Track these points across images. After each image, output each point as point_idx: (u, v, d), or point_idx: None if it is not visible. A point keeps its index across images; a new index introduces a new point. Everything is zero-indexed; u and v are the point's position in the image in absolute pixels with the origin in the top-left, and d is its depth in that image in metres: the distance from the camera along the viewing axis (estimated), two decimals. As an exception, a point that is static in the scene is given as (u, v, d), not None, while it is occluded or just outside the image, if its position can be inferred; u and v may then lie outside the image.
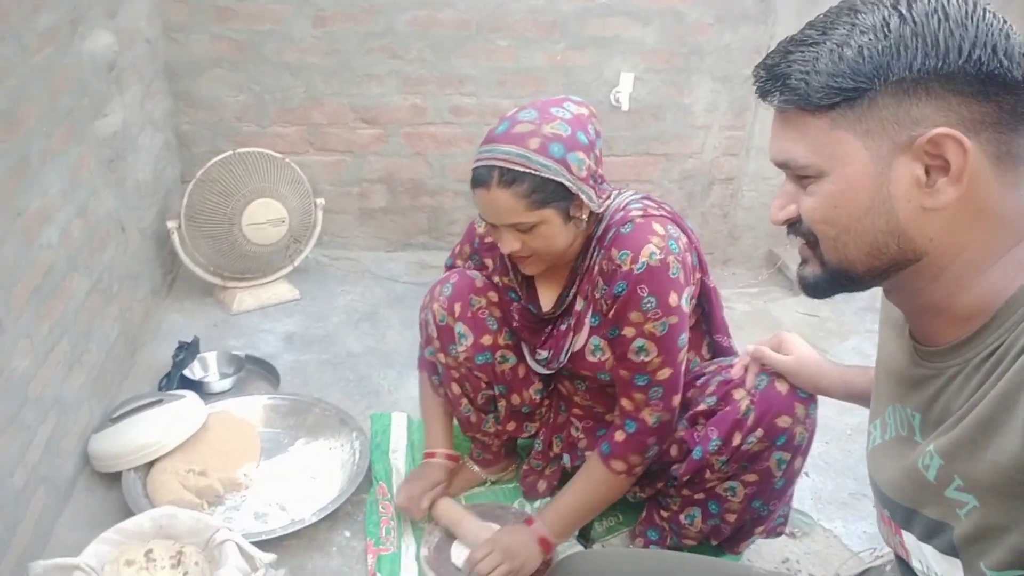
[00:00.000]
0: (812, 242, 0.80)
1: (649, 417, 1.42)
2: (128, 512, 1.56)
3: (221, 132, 2.60)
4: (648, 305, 1.36)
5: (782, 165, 0.79)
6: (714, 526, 1.51)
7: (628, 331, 1.39)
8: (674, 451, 1.48)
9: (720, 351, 1.61)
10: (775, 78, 0.76)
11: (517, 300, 1.57)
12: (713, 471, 1.42)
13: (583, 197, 1.34)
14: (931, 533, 0.77)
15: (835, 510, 1.84)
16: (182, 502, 1.60)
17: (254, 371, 2.14)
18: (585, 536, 1.68)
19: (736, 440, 1.37)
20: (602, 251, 1.41)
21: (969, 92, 0.69)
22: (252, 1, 2.46)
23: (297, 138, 2.65)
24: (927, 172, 0.71)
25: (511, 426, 1.68)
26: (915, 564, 0.83)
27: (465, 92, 2.65)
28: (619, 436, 1.45)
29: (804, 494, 1.86)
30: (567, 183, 1.31)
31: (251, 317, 2.43)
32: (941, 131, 0.69)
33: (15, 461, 1.43)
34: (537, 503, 1.74)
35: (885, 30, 0.70)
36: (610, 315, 1.40)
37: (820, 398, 1.39)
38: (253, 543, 1.45)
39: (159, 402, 1.80)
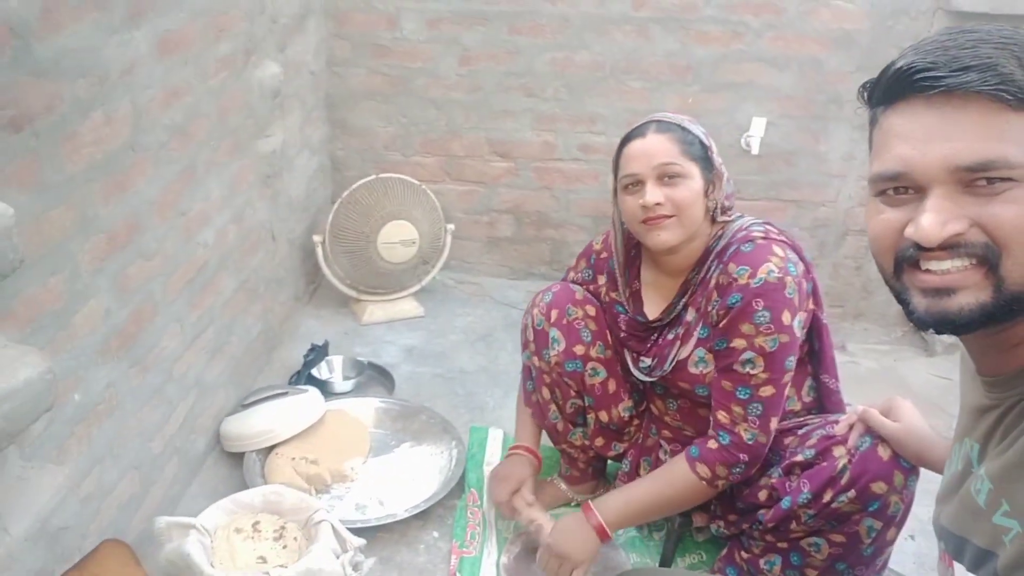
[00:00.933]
0: (990, 261, 0.70)
1: (745, 433, 1.42)
2: (246, 489, 1.73)
3: (370, 158, 2.84)
4: (761, 319, 1.37)
5: (978, 167, 0.69)
6: None
7: (738, 343, 1.40)
8: (763, 496, 1.47)
9: (825, 394, 1.59)
10: (971, 67, 0.68)
11: (624, 312, 1.63)
12: (799, 523, 1.40)
13: (723, 176, 1.47)
14: (978, 563, 0.76)
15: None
16: (292, 486, 1.75)
17: (373, 377, 2.30)
18: (664, 565, 1.68)
19: (827, 496, 1.35)
20: (720, 265, 1.44)
21: None
22: (406, 40, 2.69)
23: (436, 167, 2.84)
24: None
25: (599, 442, 1.72)
26: None
27: (595, 131, 2.75)
28: (711, 444, 1.46)
29: (906, 557, 1.76)
30: (712, 152, 1.46)
31: (378, 328, 2.62)
32: None
33: (156, 429, 1.64)
34: (622, 530, 1.76)
35: None
36: (721, 325, 1.43)
37: (923, 471, 1.34)
38: (348, 529, 1.58)
39: (285, 394, 1.99)
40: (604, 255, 1.68)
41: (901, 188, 0.75)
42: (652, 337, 1.60)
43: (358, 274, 2.59)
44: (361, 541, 1.55)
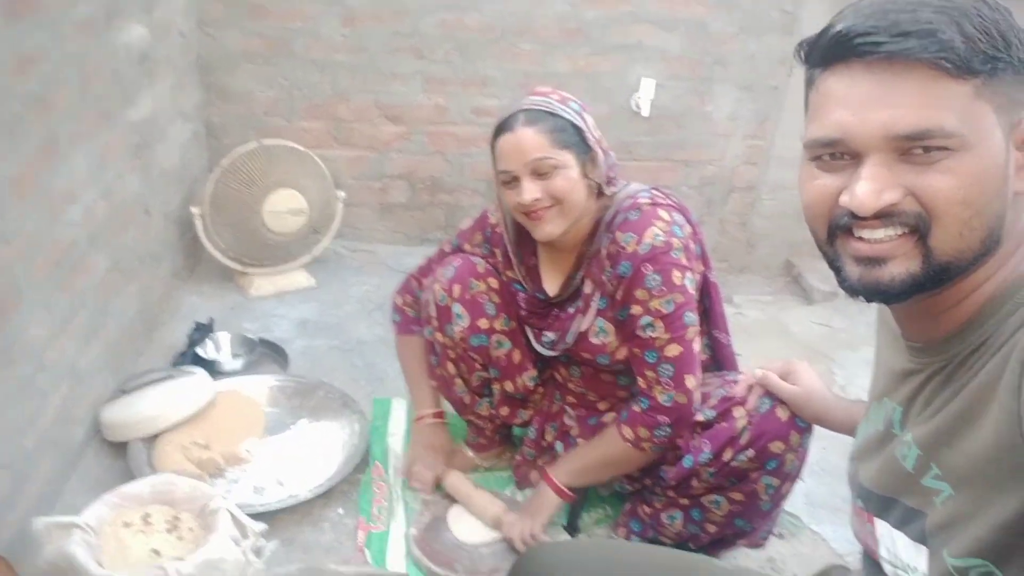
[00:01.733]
0: (920, 231, 0.70)
1: (660, 395, 1.44)
2: (133, 480, 1.63)
3: (250, 124, 2.69)
4: (653, 282, 1.40)
5: (916, 136, 0.68)
6: (693, 532, 1.53)
7: (635, 309, 1.43)
8: (667, 455, 1.50)
9: (718, 348, 1.63)
10: (911, 33, 0.67)
11: (523, 290, 1.62)
12: (700, 480, 1.45)
13: (599, 155, 1.43)
14: (906, 520, 0.79)
15: (826, 514, 1.84)
16: (184, 473, 1.66)
17: (265, 354, 2.21)
18: (573, 526, 1.71)
19: (727, 455, 1.40)
20: (609, 235, 1.45)
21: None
22: (284, -1, 2.56)
23: (322, 133, 2.73)
24: None
25: (504, 411, 1.72)
26: (882, 552, 0.85)
27: (488, 94, 2.71)
28: (635, 407, 1.48)
29: (797, 498, 1.84)
30: (585, 132, 1.42)
31: (267, 302, 2.51)
32: None
33: (27, 423, 1.51)
34: (530, 492, 1.77)
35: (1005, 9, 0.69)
36: (618, 296, 1.45)
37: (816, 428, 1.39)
38: (248, 515, 1.51)
39: (169, 377, 1.88)
40: (499, 230, 1.65)
41: (837, 154, 0.74)
42: (552, 312, 1.60)
43: (243, 246, 2.47)
44: (262, 526, 1.50)
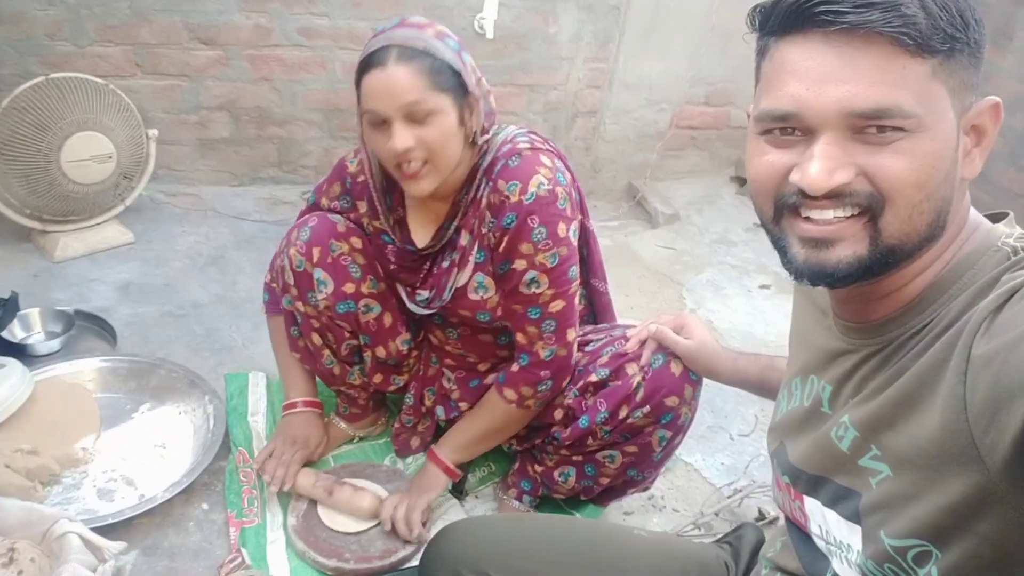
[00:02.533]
0: (871, 212, 0.69)
1: (542, 350, 1.39)
2: (-57, 504, 1.37)
3: (29, 51, 2.25)
4: (539, 236, 1.32)
5: (873, 115, 0.66)
6: (586, 486, 1.52)
7: (519, 263, 1.34)
8: (558, 415, 1.46)
9: (596, 297, 1.60)
10: (874, 4, 0.64)
11: (391, 243, 1.48)
12: (596, 439, 1.43)
13: (478, 101, 1.29)
14: (837, 499, 0.79)
15: (694, 444, 1.92)
16: (11, 487, 1.42)
17: (86, 328, 1.93)
18: (459, 489, 1.66)
19: (622, 413, 1.38)
20: (489, 183, 1.34)
21: (977, 65, 0.69)
22: None
23: (122, 59, 2.34)
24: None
25: (377, 379, 1.61)
26: (813, 528, 0.86)
27: (316, 12, 2.43)
28: (514, 367, 1.43)
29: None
30: (464, 75, 1.27)
31: (78, 265, 2.18)
32: (996, 100, 0.68)
33: None
34: (410, 459, 1.70)
35: None
36: (500, 249, 1.35)
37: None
38: (99, 527, 1.32)
39: (-29, 373, 1.58)
40: (361, 179, 1.49)
41: (788, 129, 0.71)
42: (425, 266, 1.48)
43: (40, 200, 2.11)
44: (120, 545, 1.30)
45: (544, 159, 1.34)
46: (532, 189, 1.31)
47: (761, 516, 1.72)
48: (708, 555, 1.09)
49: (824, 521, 0.82)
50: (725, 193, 3.32)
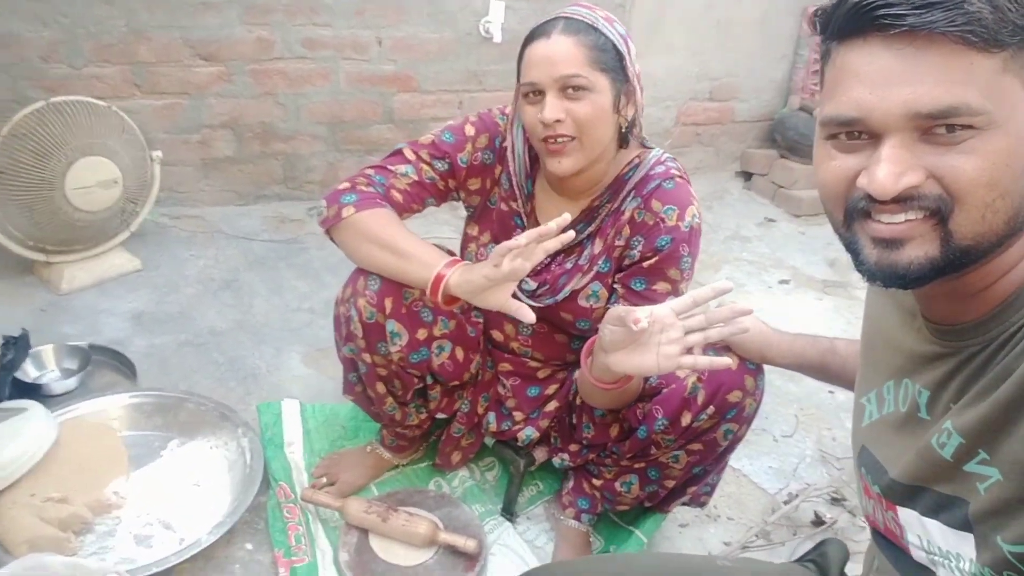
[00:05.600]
0: (941, 213, 0.66)
1: None
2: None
3: (24, 75, 2.16)
4: (686, 264, 1.32)
5: (939, 114, 0.64)
6: (651, 492, 1.46)
7: (661, 286, 1.32)
8: (614, 431, 1.40)
9: None
10: (935, 4, 0.62)
11: (522, 227, 1.41)
12: (659, 448, 1.37)
13: (636, 90, 1.27)
14: (939, 509, 0.75)
15: (740, 448, 1.84)
16: (43, 540, 1.34)
17: (102, 363, 1.83)
18: (508, 510, 1.60)
19: (685, 420, 1.32)
20: (640, 199, 1.32)
21: None
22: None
23: (120, 80, 2.26)
24: None
25: (443, 406, 1.54)
26: (910, 539, 0.81)
27: (319, 22, 2.36)
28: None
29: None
30: (627, 60, 1.25)
31: (86, 296, 2.08)
32: None
33: None
34: (456, 483, 1.63)
35: None
36: (646, 266, 1.32)
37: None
38: (142, 577, 1.24)
39: (-9, 419, 1.48)
40: (506, 144, 1.40)
41: (855, 133, 0.69)
42: (544, 260, 1.41)
43: (43, 231, 2.01)
44: (172, 596, 1.23)
45: (692, 191, 1.34)
46: (688, 219, 1.30)
47: (819, 520, 1.67)
48: None
49: (924, 531, 0.79)
50: (733, 188, 3.29)
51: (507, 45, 2.54)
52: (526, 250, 1.15)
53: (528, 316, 1.19)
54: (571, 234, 1.15)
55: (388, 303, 1.34)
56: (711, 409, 1.31)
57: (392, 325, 1.35)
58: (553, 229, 1.12)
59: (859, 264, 0.72)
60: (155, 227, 2.37)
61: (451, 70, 2.58)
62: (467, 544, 1.45)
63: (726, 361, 1.11)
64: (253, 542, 1.48)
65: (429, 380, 1.47)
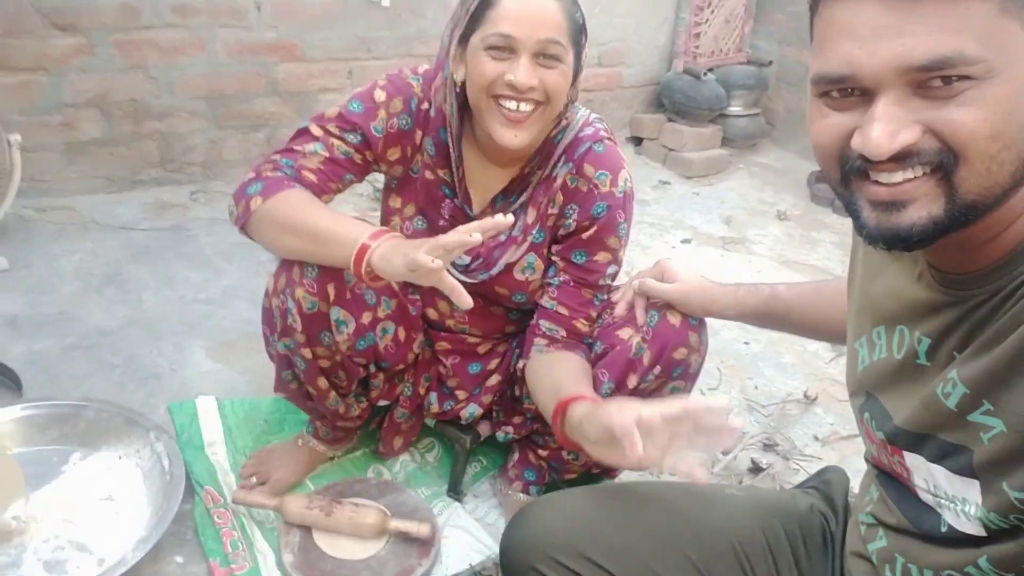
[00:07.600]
0: (944, 167, 0.64)
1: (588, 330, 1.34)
2: None
3: None
4: (623, 231, 1.30)
5: (933, 66, 0.61)
6: None
7: (602, 256, 1.30)
8: None
9: None
10: None
11: (452, 198, 1.32)
12: None
13: (581, 73, 1.23)
14: (944, 455, 0.76)
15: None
16: (-66, 581, 1.16)
17: (-22, 376, 1.62)
18: (455, 490, 1.54)
19: (632, 382, 1.29)
20: (571, 164, 1.27)
21: None
22: None
23: (-39, 54, 1.98)
24: None
25: (386, 392, 1.44)
26: (917, 482, 0.82)
27: (191, -13, 2.16)
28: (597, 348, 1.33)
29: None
30: (585, 43, 1.22)
31: (-54, 303, 1.83)
32: None
33: None
34: (397, 467, 1.55)
35: None
36: (584, 237, 1.28)
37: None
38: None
39: None
40: (425, 107, 1.27)
41: (847, 89, 0.66)
42: None
43: None
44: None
45: (621, 152, 1.31)
46: (621, 184, 1.27)
47: (756, 467, 1.71)
48: (802, 507, 1.04)
49: (931, 476, 0.79)
50: (625, 154, 3.32)
51: (396, 10, 2.44)
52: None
53: (465, 302, 1.05)
54: (511, 218, 1.06)
55: (331, 289, 1.23)
56: (657, 369, 1.30)
57: (337, 313, 1.24)
58: (503, 225, 1.03)
59: (859, 226, 0.70)
60: (19, 221, 2.12)
61: (338, 37, 2.44)
62: (420, 529, 1.38)
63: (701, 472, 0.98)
64: (183, 554, 1.36)
65: (372, 368, 1.37)
